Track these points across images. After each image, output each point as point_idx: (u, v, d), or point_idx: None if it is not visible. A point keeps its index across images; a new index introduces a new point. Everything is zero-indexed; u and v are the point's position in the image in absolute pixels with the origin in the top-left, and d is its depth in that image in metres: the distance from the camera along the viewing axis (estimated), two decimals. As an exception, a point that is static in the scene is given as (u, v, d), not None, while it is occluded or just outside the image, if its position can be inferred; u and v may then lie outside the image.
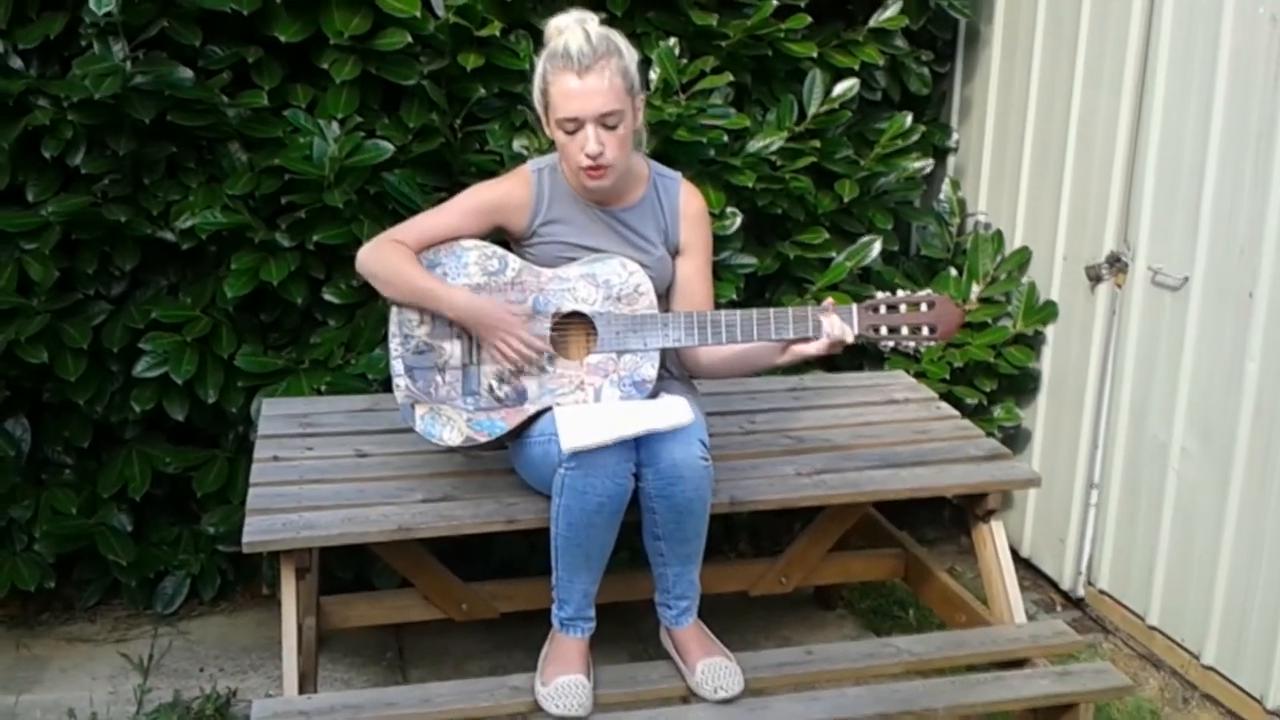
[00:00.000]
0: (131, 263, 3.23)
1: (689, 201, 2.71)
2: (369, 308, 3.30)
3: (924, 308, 2.56)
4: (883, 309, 2.57)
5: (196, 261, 3.31)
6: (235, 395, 3.27)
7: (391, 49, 3.14)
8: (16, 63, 3.10)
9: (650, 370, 2.56)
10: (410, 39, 3.14)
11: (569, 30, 2.48)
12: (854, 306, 2.56)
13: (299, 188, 3.16)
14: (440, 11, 3.22)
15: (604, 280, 2.57)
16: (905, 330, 2.57)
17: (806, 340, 2.54)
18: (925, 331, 2.57)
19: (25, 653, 3.28)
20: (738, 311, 2.56)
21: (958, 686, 2.62)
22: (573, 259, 2.60)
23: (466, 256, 2.60)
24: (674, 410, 2.44)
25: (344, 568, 3.37)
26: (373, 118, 3.25)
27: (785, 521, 3.74)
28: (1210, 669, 3.11)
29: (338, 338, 3.32)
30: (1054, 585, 3.67)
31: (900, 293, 2.59)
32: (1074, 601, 3.61)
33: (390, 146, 3.15)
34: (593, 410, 2.49)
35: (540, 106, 2.55)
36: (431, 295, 2.56)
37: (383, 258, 2.58)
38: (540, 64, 2.52)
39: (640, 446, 2.44)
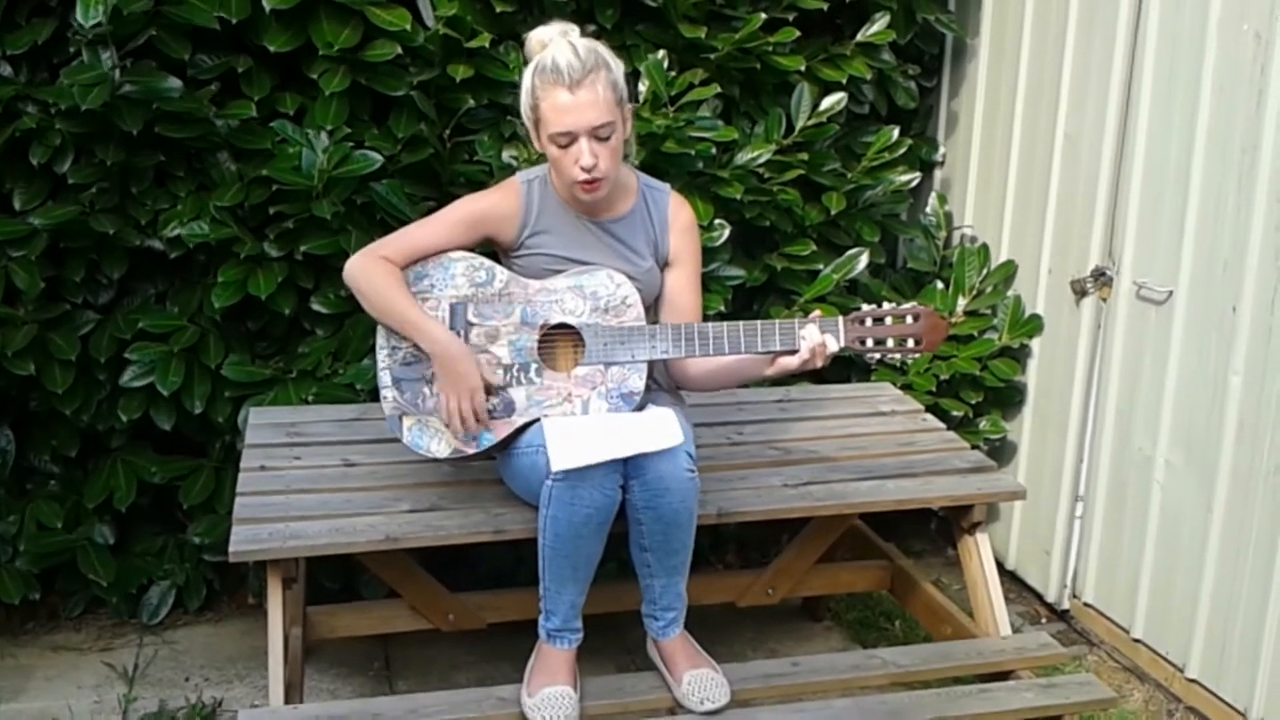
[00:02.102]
0: (119, 272, 3.23)
1: (678, 213, 2.72)
2: (357, 318, 3.29)
3: (909, 320, 2.58)
4: (868, 321, 2.58)
5: (184, 271, 3.31)
6: (222, 405, 3.26)
7: (381, 60, 3.15)
8: (5, 69, 3.10)
9: (638, 382, 2.57)
10: (400, 50, 3.14)
11: (554, 44, 2.49)
12: (840, 319, 2.57)
13: (287, 198, 3.16)
14: (430, 22, 3.23)
15: (591, 292, 2.58)
16: (891, 342, 2.58)
17: (792, 353, 2.55)
18: (910, 344, 2.58)
19: (10, 661, 3.27)
20: (725, 324, 2.57)
21: (943, 698, 2.63)
22: (560, 271, 2.60)
23: (454, 268, 2.60)
24: (664, 431, 2.44)
25: (331, 578, 3.37)
26: (361, 128, 3.25)
27: (773, 533, 3.75)
28: (1194, 681, 3.12)
29: (326, 347, 3.31)
30: (1039, 598, 3.68)
31: (886, 305, 2.60)
32: (1059, 614, 3.62)
33: (379, 158, 3.15)
34: (582, 425, 2.49)
35: (530, 122, 2.55)
36: (410, 325, 2.57)
37: (370, 276, 2.58)
38: (528, 78, 2.52)
39: (627, 458, 2.43)
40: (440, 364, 2.56)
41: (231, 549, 2.50)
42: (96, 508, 3.30)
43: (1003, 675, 2.78)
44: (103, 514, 3.32)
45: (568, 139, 2.49)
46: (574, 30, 2.54)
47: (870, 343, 2.58)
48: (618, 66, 2.54)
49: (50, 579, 3.36)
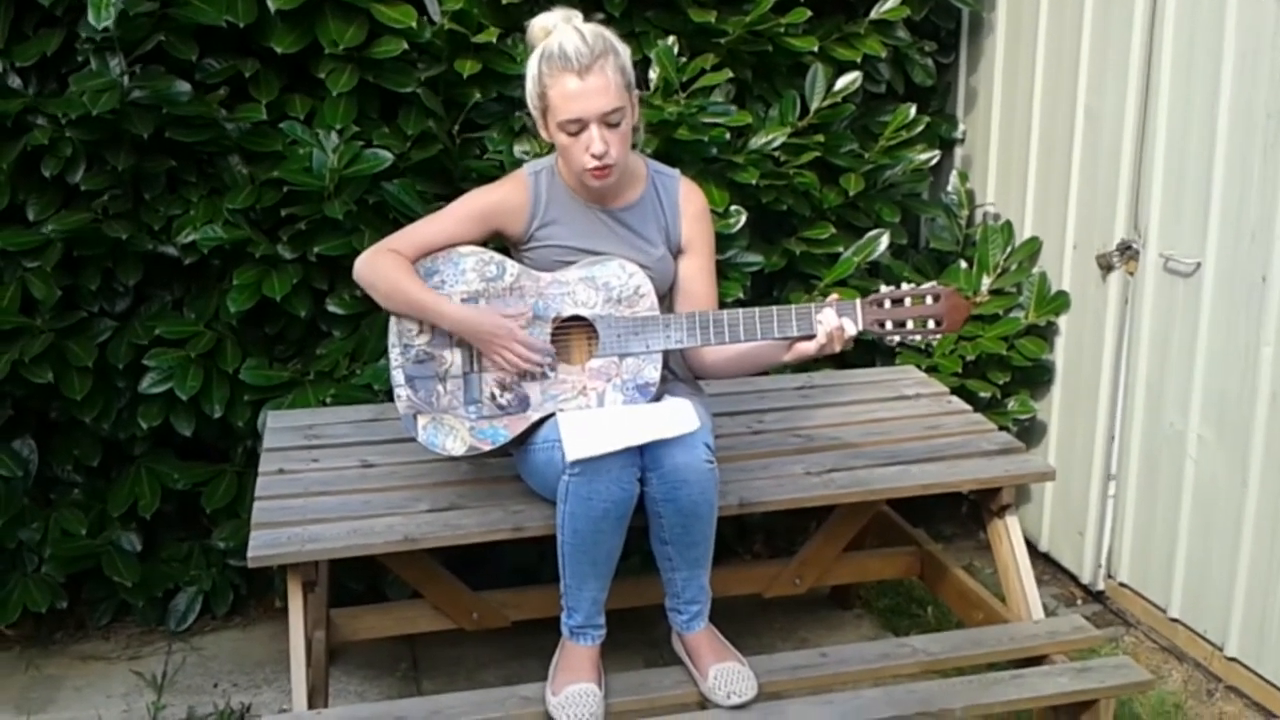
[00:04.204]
0: (134, 278, 3.22)
1: (689, 199, 2.68)
2: (373, 318, 3.28)
3: (929, 300, 2.52)
4: (887, 303, 2.52)
5: (199, 276, 3.30)
6: (242, 409, 3.25)
7: (388, 57, 3.13)
8: (15, 81, 3.10)
9: (653, 373, 2.53)
10: (407, 46, 3.12)
11: (560, 30, 2.45)
12: (858, 301, 2.52)
13: (299, 199, 3.14)
14: (436, 17, 3.20)
15: (603, 283, 2.54)
16: (911, 324, 2.52)
17: (810, 338, 2.50)
18: (931, 324, 2.52)
19: (39, 673, 3.28)
20: (740, 310, 2.52)
21: (975, 686, 2.59)
22: (572, 262, 2.57)
23: (464, 263, 2.57)
24: (680, 417, 2.41)
25: (355, 579, 3.35)
26: (371, 126, 3.23)
27: (800, 521, 3.71)
28: (1234, 660, 3.07)
29: (342, 349, 3.30)
30: (1074, 579, 3.62)
31: (905, 285, 2.55)
32: (1094, 595, 3.56)
33: (389, 156, 3.13)
34: (597, 416, 2.45)
35: (537, 110, 2.52)
36: (427, 308, 2.54)
37: (378, 269, 2.55)
38: (534, 65, 2.48)
39: (644, 451, 2.40)
40: (470, 337, 2.53)
41: (250, 554, 2.49)
42: (121, 515, 3.29)
43: (1036, 660, 2.72)
44: (128, 521, 3.32)
45: (578, 126, 2.45)
46: (577, 15, 2.50)
47: (889, 325, 2.52)
48: (625, 51, 2.50)
49: (77, 588, 3.37)
